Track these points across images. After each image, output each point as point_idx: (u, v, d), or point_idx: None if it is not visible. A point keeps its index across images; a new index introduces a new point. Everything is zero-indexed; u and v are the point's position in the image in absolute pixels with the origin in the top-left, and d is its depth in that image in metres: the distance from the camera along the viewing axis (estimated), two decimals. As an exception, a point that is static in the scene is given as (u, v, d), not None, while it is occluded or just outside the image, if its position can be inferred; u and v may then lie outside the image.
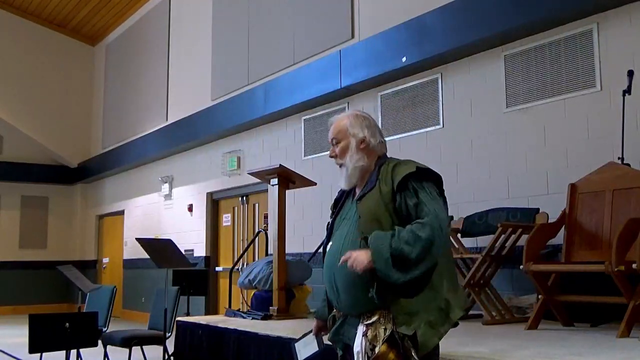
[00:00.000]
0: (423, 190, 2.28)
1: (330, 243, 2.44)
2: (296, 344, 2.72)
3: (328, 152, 2.59)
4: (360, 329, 2.28)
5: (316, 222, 7.38)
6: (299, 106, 7.73)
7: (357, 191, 2.46)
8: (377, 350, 2.20)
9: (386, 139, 2.58)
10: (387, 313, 2.23)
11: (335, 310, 2.46)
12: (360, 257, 2.18)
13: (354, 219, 2.37)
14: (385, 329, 2.22)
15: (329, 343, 2.54)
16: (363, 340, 2.25)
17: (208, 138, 9.63)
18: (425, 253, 2.16)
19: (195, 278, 6.96)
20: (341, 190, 2.57)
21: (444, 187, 2.38)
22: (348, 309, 2.36)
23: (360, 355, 2.25)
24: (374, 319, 2.25)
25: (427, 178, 2.33)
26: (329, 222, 2.57)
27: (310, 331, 2.70)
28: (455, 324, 2.30)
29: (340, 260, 2.22)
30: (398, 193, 2.29)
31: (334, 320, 2.47)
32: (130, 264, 12.06)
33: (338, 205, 2.56)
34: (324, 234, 2.58)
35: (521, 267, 4.12)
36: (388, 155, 2.52)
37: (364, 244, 2.24)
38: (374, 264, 2.16)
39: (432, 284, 2.24)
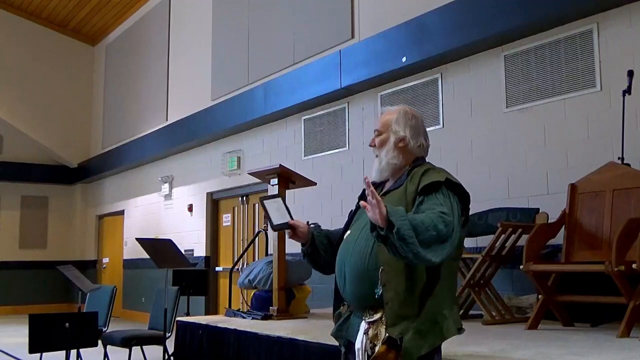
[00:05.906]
0: (445, 199, 2.24)
1: (348, 232, 2.42)
2: (265, 201, 2.56)
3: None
4: (363, 326, 2.27)
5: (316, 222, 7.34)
6: (298, 106, 7.72)
7: (387, 186, 2.47)
8: (377, 349, 2.19)
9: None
10: None
11: (341, 306, 2.46)
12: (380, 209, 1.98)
13: None
14: (386, 329, 2.20)
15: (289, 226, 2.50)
16: (364, 338, 2.25)
17: (208, 138, 9.63)
18: (437, 240, 2.05)
19: (195, 278, 6.95)
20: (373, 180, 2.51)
21: (469, 207, 2.34)
22: (352, 301, 2.36)
23: (360, 353, 2.25)
24: (376, 317, 2.23)
25: (453, 191, 2.31)
26: (351, 210, 2.55)
27: (279, 196, 2.62)
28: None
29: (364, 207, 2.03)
30: (419, 195, 2.26)
31: (339, 317, 2.47)
32: (130, 264, 12.06)
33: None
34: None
35: (521, 267, 4.11)
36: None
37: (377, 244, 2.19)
38: (390, 219, 1.98)
39: (434, 294, 2.19)
